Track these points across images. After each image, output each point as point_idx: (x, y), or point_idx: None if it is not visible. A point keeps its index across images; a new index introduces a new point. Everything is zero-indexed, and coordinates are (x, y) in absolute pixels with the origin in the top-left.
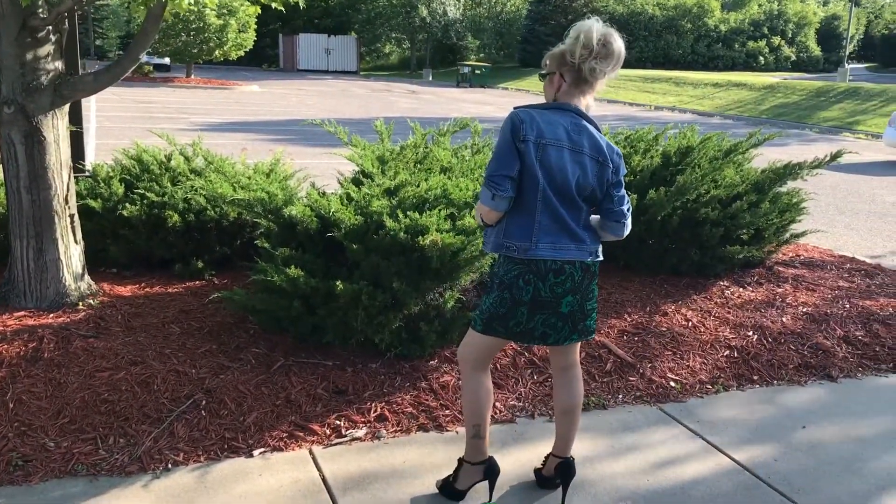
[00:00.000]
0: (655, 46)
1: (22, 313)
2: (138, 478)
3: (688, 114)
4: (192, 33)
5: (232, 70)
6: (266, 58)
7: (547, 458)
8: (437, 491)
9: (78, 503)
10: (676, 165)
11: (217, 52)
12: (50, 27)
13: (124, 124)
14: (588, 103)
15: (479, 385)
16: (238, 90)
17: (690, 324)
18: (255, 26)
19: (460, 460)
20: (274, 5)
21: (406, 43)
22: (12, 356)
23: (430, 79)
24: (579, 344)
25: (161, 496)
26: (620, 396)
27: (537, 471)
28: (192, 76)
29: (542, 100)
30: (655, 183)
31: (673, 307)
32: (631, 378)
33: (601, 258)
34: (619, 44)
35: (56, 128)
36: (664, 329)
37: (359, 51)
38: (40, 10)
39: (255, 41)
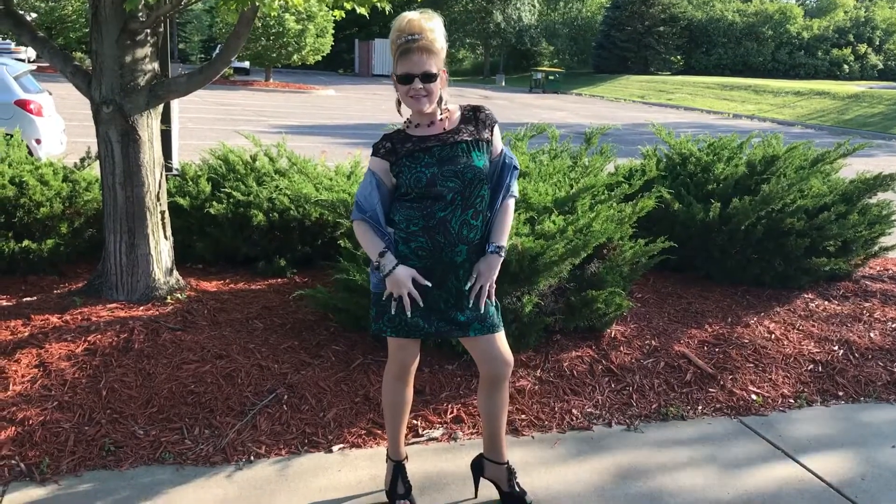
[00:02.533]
0: (735, 53)
1: (114, 305)
2: (222, 468)
3: (767, 122)
4: (271, 38)
5: (309, 74)
6: (342, 62)
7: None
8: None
9: (165, 490)
10: (761, 174)
11: (295, 57)
12: (148, 30)
13: (206, 126)
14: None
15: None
16: (315, 94)
17: (773, 336)
18: (333, 31)
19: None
20: (360, 10)
21: (480, 48)
22: (105, 346)
23: (503, 84)
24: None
25: (244, 487)
26: (700, 408)
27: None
28: (271, 80)
29: (618, 105)
30: (739, 192)
31: (755, 319)
32: (711, 389)
33: None
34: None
35: (150, 127)
36: (746, 341)
37: None
38: (140, 13)
39: (331, 46)
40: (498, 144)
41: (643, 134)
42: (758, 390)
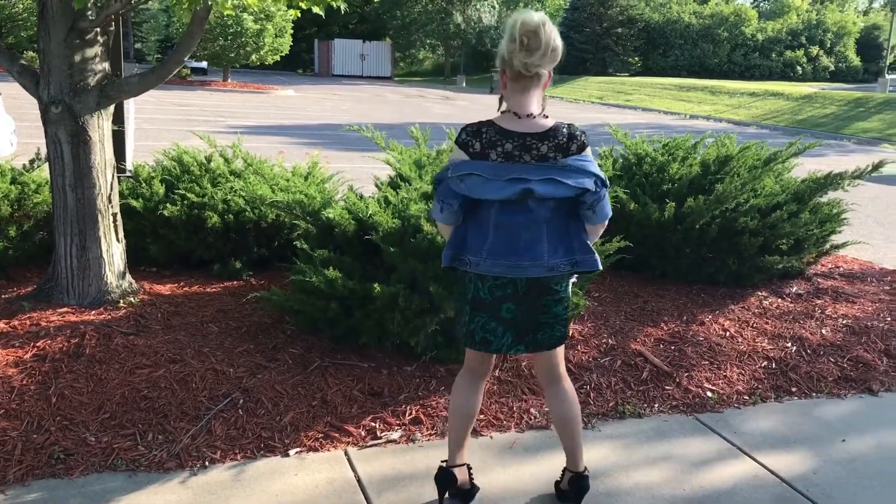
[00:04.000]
0: (691, 55)
1: (64, 309)
2: (176, 474)
3: (723, 123)
4: (229, 37)
5: (268, 74)
6: (301, 62)
7: (563, 471)
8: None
9: (117, 498)
10: (715, 174)
11: (254, 57)
12: (97, 29)
13: (162, 126)
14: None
15: (454, 396)
16: (274, 94)
17: (728, 334)
18: (292, 31)
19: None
20: (315, 9)
21: (440, 49)
22: (55, 351)
23: (464, 85)
24: (558, 359)
25: (198, 493)
26: (656, 405)
27: (556, 484)
28: (229, 80)
29: (577, 106)
30: (694, 191)
31: (710, 317)
32: (667, 387)
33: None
34: (546, 36)
35: (101, 128)
36: (701, 339)
37: (393, 56)
38: (89, 12)
39: (290, 46)
40: None
41: (601, 134)
42: (713, 387)
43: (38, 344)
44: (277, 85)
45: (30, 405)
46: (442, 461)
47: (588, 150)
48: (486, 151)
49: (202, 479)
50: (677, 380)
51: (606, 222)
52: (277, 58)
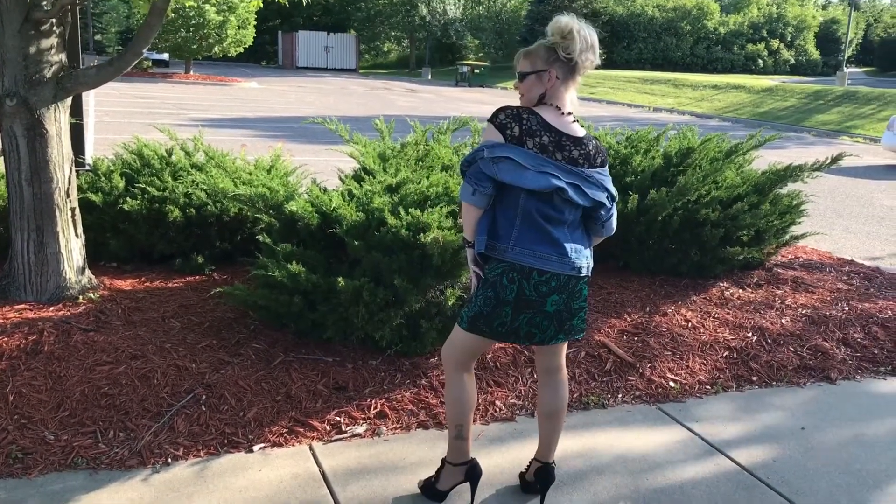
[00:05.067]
0: (655, 48)
1: (22, 306)
2: (138, 472)
3: (686, 115)
4: (191, 29)
5: (231, 66)
6: (265, 55)
7: (531, 462)
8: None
9: (77, 496)
10: (678, 166)
11: (216, 49)
12: (53, 20)
13: (123, 119)
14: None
15: (463, 386)
16: (237, 87)
17: (690, 324)
18: (255, 23)
19: (443, 461)
20: (282, 1)
21: (405, 41)
22: (12, 349)
23: (430, 77)
24: (566, 345)
25: (161, 490)
26: (620, 396)
27: (521, 475)
28: (191, 72)
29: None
30: (656, 183)
31: (672, 308)
32: (630, 378)
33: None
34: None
35: (58, 121)
36: (664, 329)
37: (358, 49)
38: (44, 2)
39: (254, 38)
40: None
41: None
42: (675, 377)
43: None
44: (241, 77)
45: None
46: (449, 460)
47: (607, 167)
48: (525, 139)
49: (165, 476)
50: (640, 370)
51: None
52: (240, 50)
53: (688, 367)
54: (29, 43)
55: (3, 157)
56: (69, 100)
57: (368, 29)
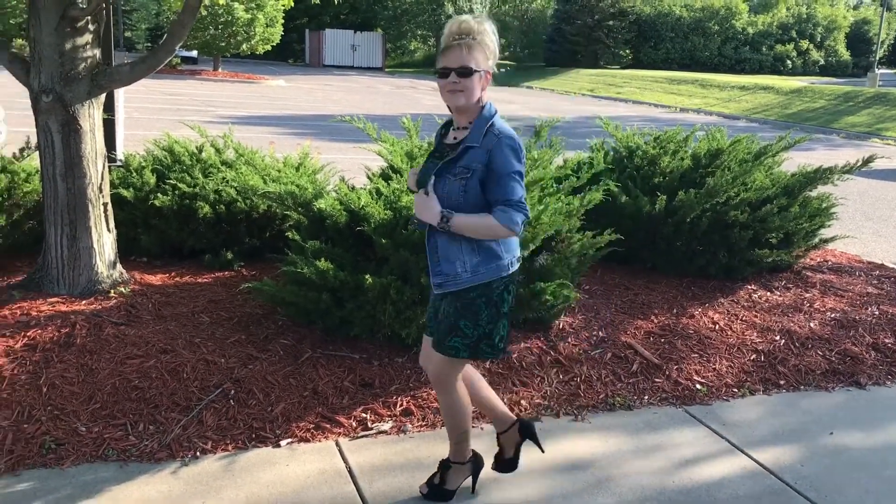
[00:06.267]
0: (682, 48)
1: (55, 299)
2: (167, 464)
3: (713, 116)
4: (220, 27)
5: (258, 64)
6: (292, 53)
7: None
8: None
9: (108, 488)
10: (706, 167)
11: (244, 46)
12: (88, 17)
13: (152, 116)
14: None
15: (462, 399)
16: (264, 84)
17: (717, 327)
18: (283, 21)
19: (445, 462)
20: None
21: (431, 40)
22: (45, 341)
23: None
24: None
25: (189, 483)
26: (646, 398)
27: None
28: (220, 69)
29: (568, 99)
30: (685, 185)
31: (700, 310)
32: (657, 379)
33: None
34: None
35: (92, 117)
36: (691, 331)
37: (384, 47)
38: (80, 0)
39: (281, 36)
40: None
41: (592, 127)
42: (702, 380)
43: (28, 333)
44: (268, 75)
45: (20, 395)
46: (456, 460)
47: None
48: None
49: (193, 469)
50: (667, 372)
51: None
52: (268, 48)
53: (715, 369)
54: (65, 40)
55: (38, 153)
56: (103, 96)
57: (395, 28)
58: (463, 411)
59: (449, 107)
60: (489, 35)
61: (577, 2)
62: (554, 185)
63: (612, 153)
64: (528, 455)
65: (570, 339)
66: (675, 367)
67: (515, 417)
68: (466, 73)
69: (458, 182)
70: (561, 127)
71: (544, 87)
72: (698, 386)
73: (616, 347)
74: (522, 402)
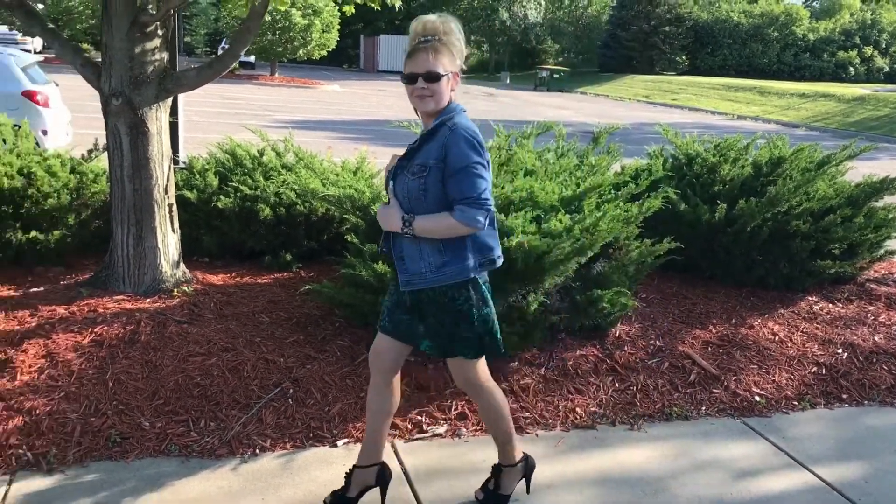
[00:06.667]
0: (740, 55)
1: (120, 297)
2: (227, 461)
3: (772, 124)
4: (277, 32)
5: (313, 69)
6: (347, 58)
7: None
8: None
9: (171, 482)
10: (768, 176)
11: (301, 52)
12: (158, 23)
13: (211, 119)
14: None
15: (498, 397)
16: (320, 89)
17: (777, 338)
18: (339, 27)
19: (497, 467)
20: (371, 4)
21: (485, 46)
22: (112, 338)
23: (508, 82)
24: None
25: (249, 480)
26: (703, 408)
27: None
28: (276, 74)
29: (622, 105)
30: (745, 193)
31: (759, 320)
32: (715, 390)
33: None
34: None
35: (159, 120)
36: (750, 342)
37: None
38: (150, 6)
39: (337, 41)
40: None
41: (648, 133)
42: (761, 392)
43: (95, 330)
44: (323, 80)
45: (88, 389)
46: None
47: None
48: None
49: (252, 466)
50: (725, 383)
51: None
52: (324, 53)
53: (774, 381)
54: (134, 45)
55: (106, 154)
56: (169, 100)
57: None
58: (501, 411)
59: (416, 110)
60: (455, 34)
61: (633, 8)
62: (612, 191)
63: (670, 160)
64: (585, 462)
65: (626, 348)
66: (734, 378)
67: (382, 461)
68: (434, 77)
69: (416, 181)
70: (617, 133)
71: (598, 94)
72: (757, 398)
73: (673, 357)
74: (577, 409)
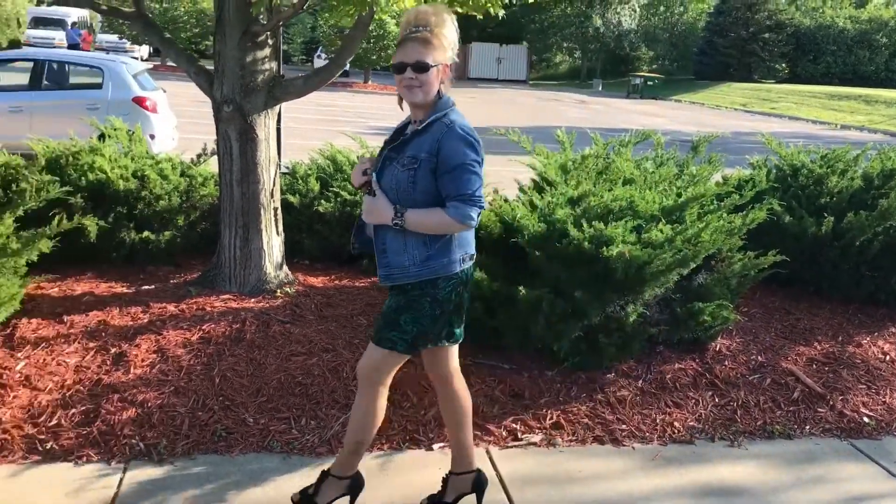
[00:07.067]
0: (844, 62)
1: (226, 296)
2: (327, 459)
3: (879, 134)
4: (371, 40)
5: None
6: None
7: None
8: None
9: (272, 478)
10: (879, 189)
11: None
12: (268, 32)
13: (308, 126)
14: None
15: (379, 403)
16: None
17: (888, 357)
18: None
19: (324, 473)
20: (475, 14)
21: (577, 52)
22: (218, 335)
23: (600, 89)
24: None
25: None
26: (807, 427)
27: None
28: (369, 81)
29: (719, 113)
30: (854, 206)
31: (868, 338)
32: (819, 409)
33: None
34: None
35: (267, 126)
36: (858, 361)
37: (529, 60)
38: (261, 16)
39: None
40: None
41: (746, 143)
42: (870, 413)
43: (203, 327)
44: None
45: (196, 384)
46: (335, 473)
47: None
48: None
49: None
50: (831, 402)
51: None
52: None
53: (885, 402)
54: (246, 54)
55: (216, 158)
56: (277, 107)
57: (541, 41)
58: (368, 417)
59: (401, 101)
60: (447, 26)
61: (732, 14)
62: (715, 202)
63: (774, 171)
64: (683, 476)
65: (726, 362)
66: (840, 398)
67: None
68: (423, 68)
69: (405, 172)
70: (716, 142)
71: (693, 101)
72: (866, 419)
73: (776, 373)
74: (675, 423)
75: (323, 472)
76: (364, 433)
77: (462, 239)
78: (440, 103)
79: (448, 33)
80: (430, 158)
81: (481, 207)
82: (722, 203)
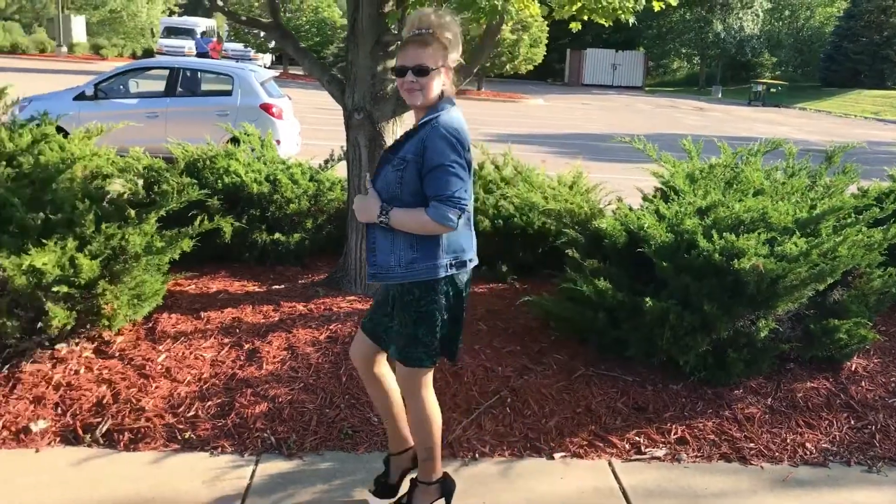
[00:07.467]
0: None
1: (352, 297)
2: (448, 462)
3: None
4: None
5: (518, 84)
6: (552, 72)
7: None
8: None
9: None
10: None
11: (507, 66)
12: (399, 42)
13: None
14: None
15: (430, 408)
16: (524, 103)
17: None
18: (546, 41)
19: (413, 481)
20: (602, 21)
21: (696, 58)
22: (345, 335)
23: (719, 96)
24: None
25: (470, 483)
26: None
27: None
28: (482, 89)
29: (847, 122)
30: None
31: None
32: None
33: None
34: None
35: (394, 133)
36: None
37: (646, 66)
38: (393, 26)
39: (543, 56)
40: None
41: (882, 153)
42: None
43: (330, 327)
44: (527, 94)
45: (324, 382)
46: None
47: None
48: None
49: (473, 470)
50: None
51: None
52: (530, 67)
53: None
54: (377, 63)
55: (345, 163)
56: (404, 115)
57: (658, 46)
58: (431, 425)
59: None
60: (450, 29)
61: (863, 18)
62: (853, 215)
63: None
64: (816, 500)
65: (863, 383)
66: None
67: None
68: (423, 71)
69: (395, 173)
70: (851, 153)
71: (819, 109)
72: None
73: None
74: (807, 444)
75: (412, 480)
76: (430, 439)
77: (452, 243)
78: (438, 105)
79: (450, 35)
80: (416, 159)
81: (462, 209)
82: (860, 216)
